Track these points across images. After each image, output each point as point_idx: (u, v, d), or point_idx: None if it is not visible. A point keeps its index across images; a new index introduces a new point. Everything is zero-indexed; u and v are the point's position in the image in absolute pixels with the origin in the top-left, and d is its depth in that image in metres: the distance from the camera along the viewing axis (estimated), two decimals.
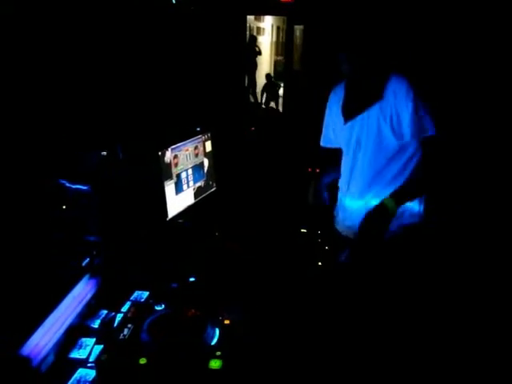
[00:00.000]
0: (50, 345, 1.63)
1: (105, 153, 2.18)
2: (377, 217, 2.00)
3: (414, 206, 2.18)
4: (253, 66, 10.18)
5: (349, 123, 2.25)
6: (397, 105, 2.08)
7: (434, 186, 2.22)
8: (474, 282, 2.84)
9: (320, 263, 2.52)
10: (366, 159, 2.20)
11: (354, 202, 2.27)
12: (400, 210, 2.05)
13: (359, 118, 2.21)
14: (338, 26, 2.15)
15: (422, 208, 2.23)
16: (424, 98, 2.09)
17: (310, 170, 3.23)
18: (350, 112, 2.26)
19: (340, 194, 2.38)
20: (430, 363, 2.34)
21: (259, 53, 10.63)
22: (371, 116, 2.16)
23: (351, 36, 2.08)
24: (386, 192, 2.08)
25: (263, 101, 10.04)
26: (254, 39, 10.59)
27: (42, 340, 1.60)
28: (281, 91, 9.35)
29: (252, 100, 9.62)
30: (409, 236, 2.16)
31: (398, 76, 2.13)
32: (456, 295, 2.69)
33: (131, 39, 2.57)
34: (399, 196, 2.07)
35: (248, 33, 8.25)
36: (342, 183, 2.36)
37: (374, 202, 2.10)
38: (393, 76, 2.13)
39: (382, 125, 2.13)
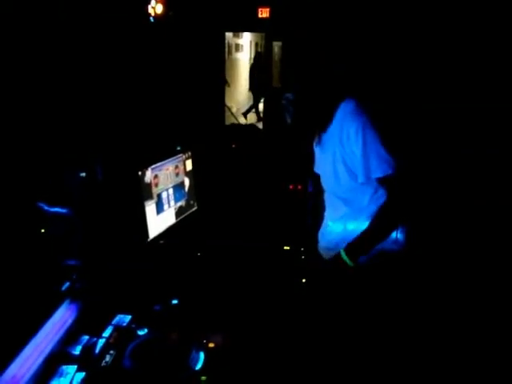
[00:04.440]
0: (29, 374, 1.58)
1: (84, 174, 2.14)
2: (336, 267, 2.06)
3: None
4: (260, 83, 10.00)
5: (316, 147, 2.26)
6: (349, 140, 2.01)
7: (398, 225, 2.12)
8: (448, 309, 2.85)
9: (304, 280, 2.50)
10: (332, 190, 2.22)
11: (334, 225, 2.26)
12: None
13: (317, 147, 2.23)
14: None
15: (400, 235, 2.16)
16: (378, 125, 2.01)
17: (291, 187, 3.23)
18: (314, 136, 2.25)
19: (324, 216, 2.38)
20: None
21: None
22: (325, 150, 2.16)
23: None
24: (363, 215, 2.09)
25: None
26: (259, 56, 10.53)
27: (21, 370, 1.55)
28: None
29: (245, 119, 9.53)
30: (383, 263, 2.12)
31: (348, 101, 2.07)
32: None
33: (111, 59, 2.55)
34: (356, 248, 2.05)
35: (227, 49, 8.28)
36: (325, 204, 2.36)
37: (352, 225, 2.12)
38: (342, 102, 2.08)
39: (337, 164, 2.09)
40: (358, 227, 2.10)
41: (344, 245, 2.07)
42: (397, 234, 2.14)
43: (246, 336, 1.93)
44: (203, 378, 1.63)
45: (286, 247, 2.71)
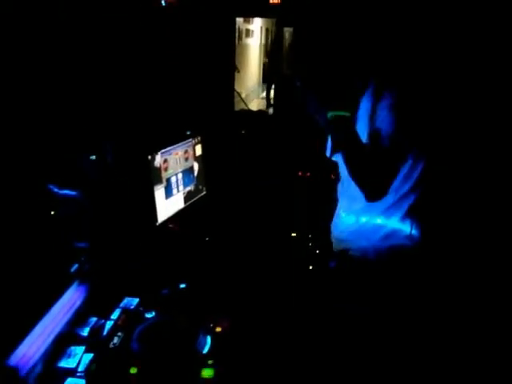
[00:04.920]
0: (39, 354, 1.60)
1: (94, 157, 2.15)
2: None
3: (404, 228, 2.06)
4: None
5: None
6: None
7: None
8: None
9: (311, 267, 2.50)
10: (349, 180, 2.08)
11: (347, 217, 2.21)
12: (389, 229, 2.03)
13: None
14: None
15: (415, 231, 2.07)
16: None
17: (300, 173, 3.22)
18: None
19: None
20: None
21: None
22: None
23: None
24: (377, 210, 2.02)
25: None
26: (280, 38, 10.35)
27: (30, 349, 1.57)
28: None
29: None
30: (395, 258, 2.06)
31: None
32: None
33: (121, 43, 2.54)
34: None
35: (237, 35, 8.23)
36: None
37: (364, 219, 2.07)
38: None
39: None
40: (369, 221, 2.06)
41: (354, 237, 2.07)
42: (411, 230, 2.06)
43: (252, 321, 1.94)
44: (210, 361, 1.64)
45: (293, 234, 2.72)
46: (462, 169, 3.22)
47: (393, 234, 2.04)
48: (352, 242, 2.12)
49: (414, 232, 2.07)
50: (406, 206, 2.01)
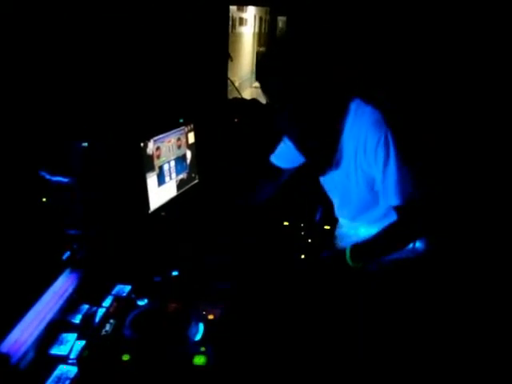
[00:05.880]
0: (30, 341, 1.60)
1: (86, 144, 2.13)
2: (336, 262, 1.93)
3: None
4: None
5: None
6: (366, 154, 1.76)
7: (407, 245, 1.94)
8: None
9: (303, 256, 2.50)
10: (346, 197, 2.05)
11: (347, 225, 2.21)
12: None
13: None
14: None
15: (419, 244, 2.02)
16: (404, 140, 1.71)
17: None
18: None
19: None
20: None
21: None
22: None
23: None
24: (379, 224, 1.91)
25: None
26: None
27: (22, 336, 1.57)
28: None
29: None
30: (393, 270, 2.00)
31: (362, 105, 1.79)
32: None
33: (113, 30, 2.52)
34: (360, 250, 1.88)
35: (230, 23, 8.19)
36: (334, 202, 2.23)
37: (364, 230, 2.04)
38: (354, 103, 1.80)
39: (352, 182, 1.91)
40: (370, 234, 1.95)
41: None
42: (414, 244, 2.00)
43: (245, 309, 1.94)
44: (202, 348, 1.65)
45: (285, 222, 2.72)
46: (467, 181, 3.16)
47: None
48: None
49: (417, 245, 2.02)
50: None
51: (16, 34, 2.02)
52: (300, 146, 1.93)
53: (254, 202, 2.46)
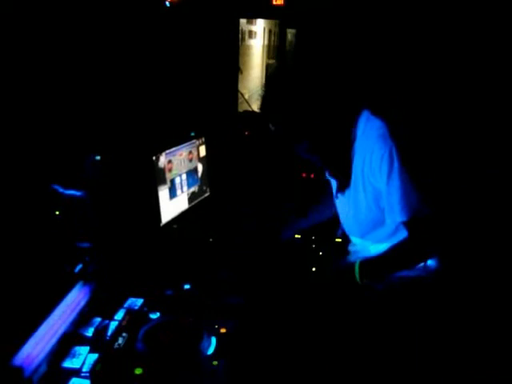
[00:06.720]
0: (43, 354, 1.59)
1: (99, 157, 2.14)
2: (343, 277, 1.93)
3: None
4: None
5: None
6: (372, 170, 1.76)
7: (417, 264, 1.93)
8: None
9: (314, 269, 2.49)
10: (355, 214, 2.02)
11: (357, 242, 2.20)
12: None
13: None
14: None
15: (431, 261, 1.99)
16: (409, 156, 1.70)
17: (304, 175, 3.22)
18: None
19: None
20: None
21: None
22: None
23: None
24: (388, 242, 1.92)
25: None
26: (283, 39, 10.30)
27: (35, 349, 1.57)
28: None
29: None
30: (402, 287, 1.96)
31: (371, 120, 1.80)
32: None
33: (126, 44, 2.54)
34: (368, 268, 1.86)
35: (240, 36, 8.24)
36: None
37: (373, 248, 2.03)
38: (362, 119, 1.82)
39: (360, 197, 1.91)
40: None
41: None
42: (426, 261, 1.96)
43: (257, 323, 1.94)
44: (215, 362, 1.64)
45: (296, 235, 2.71)
46: (479, 196, 3.09)
47: None
48: None
49: (429, 263, 1.99)
50: None
51: (32, 47, 2.04)
52: (326, 166, 1.99)
53: (314, 222, 2.46)
